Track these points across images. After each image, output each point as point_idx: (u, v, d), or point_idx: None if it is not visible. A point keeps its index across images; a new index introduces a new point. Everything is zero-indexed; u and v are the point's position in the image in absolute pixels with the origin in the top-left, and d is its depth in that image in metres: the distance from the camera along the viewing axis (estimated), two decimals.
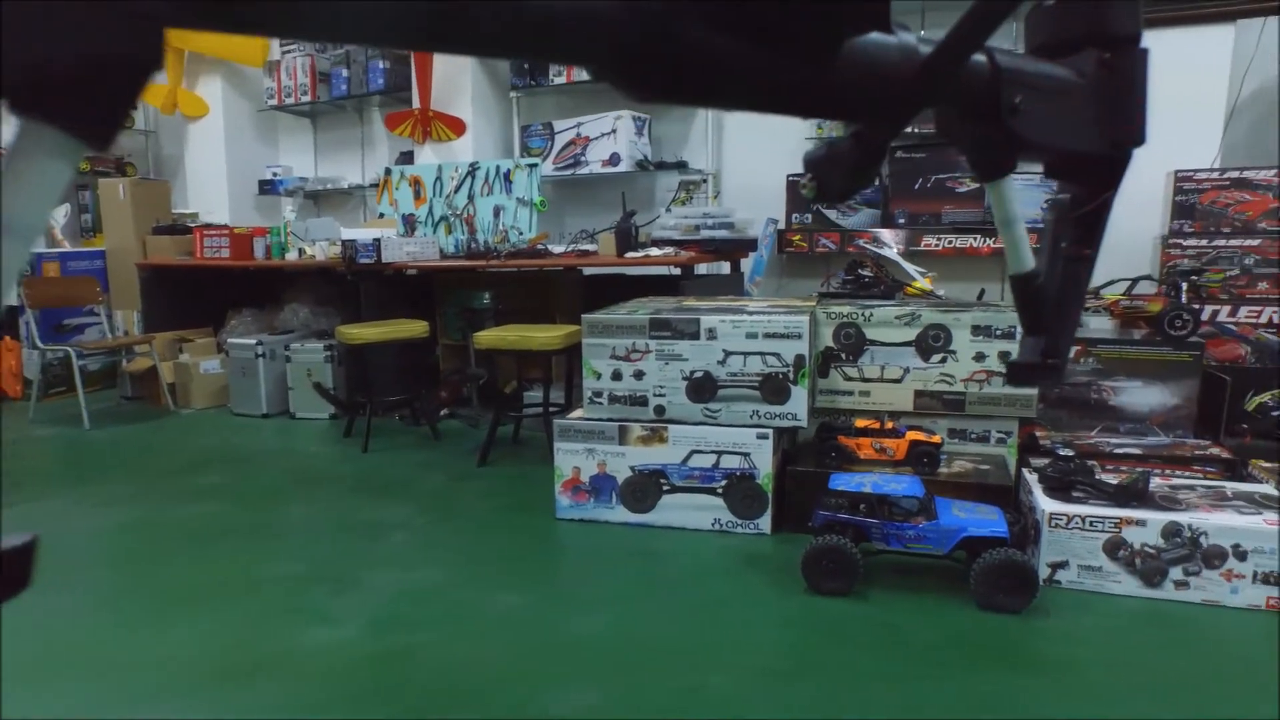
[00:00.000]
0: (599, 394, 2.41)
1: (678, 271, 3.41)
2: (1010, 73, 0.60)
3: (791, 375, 2.26)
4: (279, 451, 3.41)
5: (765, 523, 2.30)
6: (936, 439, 2.30)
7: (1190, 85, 3.17)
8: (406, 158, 4.78)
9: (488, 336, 3.01)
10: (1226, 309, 2.98)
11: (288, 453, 3.39)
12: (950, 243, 3.71)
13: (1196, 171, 3.07)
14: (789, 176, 3.91)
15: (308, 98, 4.96)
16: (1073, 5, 0.68)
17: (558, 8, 0.43)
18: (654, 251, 3.41)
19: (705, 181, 4.26)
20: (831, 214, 3.92)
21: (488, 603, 1.97)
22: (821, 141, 0.61)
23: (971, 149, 0.65)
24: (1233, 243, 2.98)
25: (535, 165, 4.07)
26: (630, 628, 1.84)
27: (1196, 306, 2.83)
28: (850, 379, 2.49)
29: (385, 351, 3.37)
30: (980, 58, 0.59)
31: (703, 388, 2.32)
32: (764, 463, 2.28)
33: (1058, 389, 2.61)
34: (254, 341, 3.99)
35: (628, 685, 1.61)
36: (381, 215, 4.39)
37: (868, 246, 3.52)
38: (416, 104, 4.50)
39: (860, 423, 2.35)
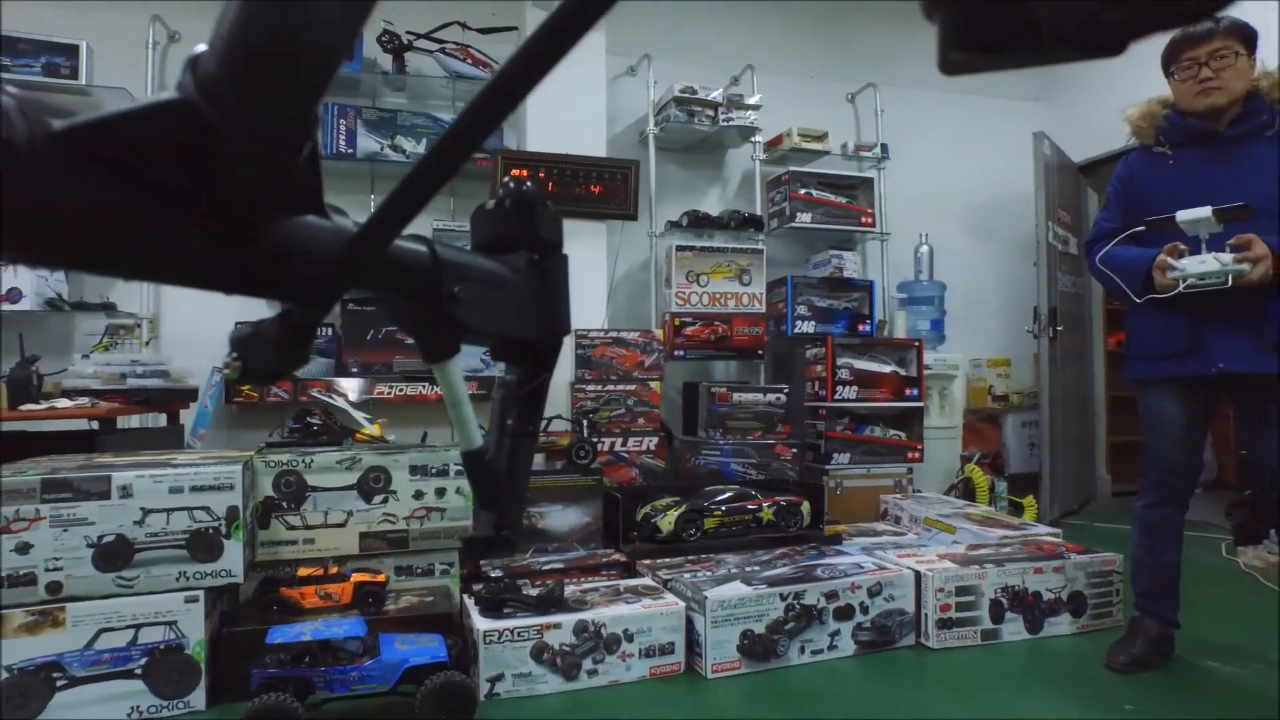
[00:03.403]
0: None
1: (95, 425, 2.99)
2: (449, 264, 0.64)
3: (224, 529, 2.13)
4: None
5: (199, 697, 2.07)
6: (382, 577, 2.37)
7: (585, 266, 3.96)
8: None
9: None
10: (620, 440, 3.68)
11: None
12: (401, 390, 3.93)
13: (590, 331, 3.80)
14: (238, 323, 3.76)
15: None
16: (509, 211, 0.76)
17: None
18: (63, 403, 2.95)
19: (139, 326, 3.86)
20: None
21: None
22: (248, 323, 0.59)
23: (417, 332, 0.67)
24: (619, 387, 3.73)
25: None
26: None
27: (595, 440, 3.45)
28: (293, 527, 2.44)
29: None
30: (423, 248, 0.63)
31: (114, 554, 2.04)
32: (195, 629, 2.07)
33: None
34: None
35: None
36: None
37: (318, 395, 3.54)
38: None
39: (303, 571, 2.30)
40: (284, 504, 2.43)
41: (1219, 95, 2.20)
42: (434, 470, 2.64)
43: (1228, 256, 2.08)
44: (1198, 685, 2.27)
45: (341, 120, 3.93)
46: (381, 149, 3.99)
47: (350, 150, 3.93)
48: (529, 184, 0.78)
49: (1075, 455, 4.94)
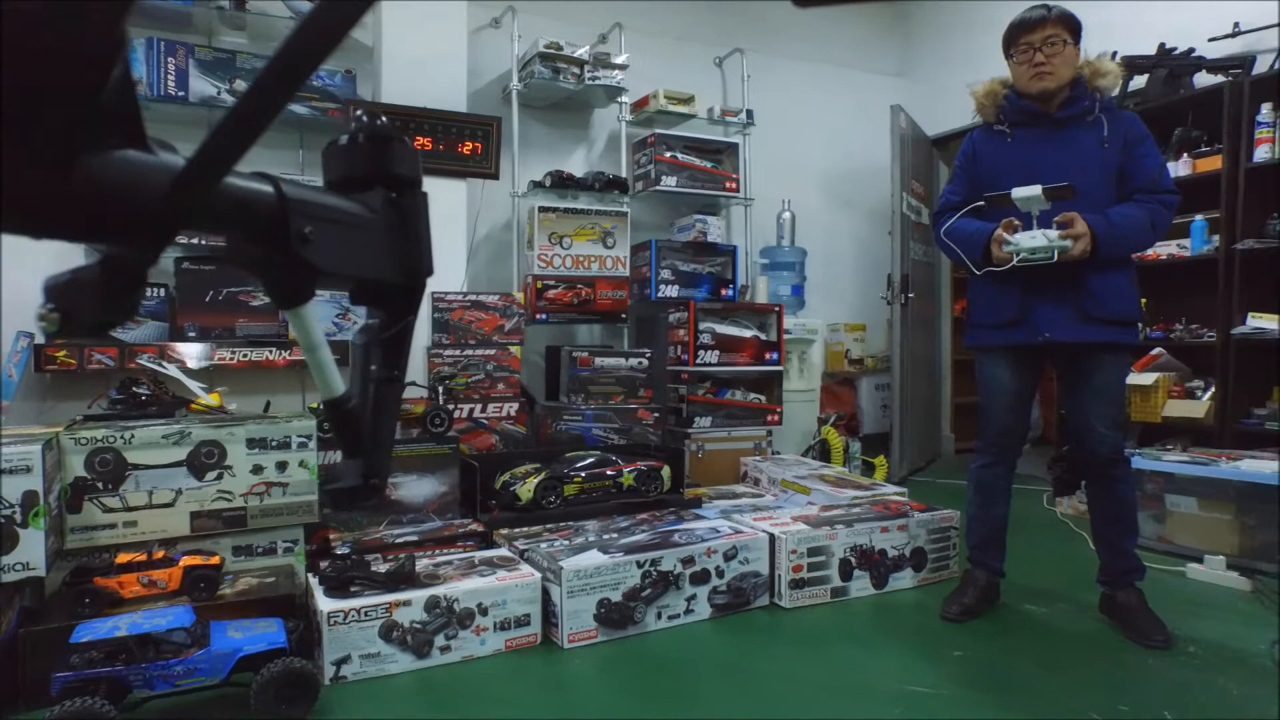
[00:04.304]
0: None
1: None
2: (297, 203, 0.60)
3: (20, 517, 1.92)
4: None
5: None
6: (216, 560, 2.21)
7: (443, 225, 3.79)
8: None
9: None
10: (480, 406, 3.59)
11: None
12: (246, 356, 3.67)
13: (448, 294, 3.66)
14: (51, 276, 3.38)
15: None
16: (361, 146, 0.72)
17: None
18: None
19: None
20: None
21: None
22: (66, 269, 0.53)
23: (266, 276, 0.63)
24: (478, 351, 3.62)
25: None
26: None
27: (452, 407, 3.35)
28: (111, 510, 2.23)
29: None
30: (267, 187, 0.59)
31: None
32: None
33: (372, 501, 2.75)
34: None
35: None
36: None
37: (147, 362, 3.25)
38: None
39: (123, 558, 2.11)
40: (99, 484, 2.21)
41: (1050, 80, 2.33)
42: (275, 443, 2.48)
43: (1054, 233, 2.21)
44: (1018, 627, 2.45)
45: (170, 58, 3.56)
46: (219, 93, 3.65)
47: (181, 93, 3.58)
48: (383, 118, 0.73)
49: (923, 416, 5.22)
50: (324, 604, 2.13)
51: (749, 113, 4.78)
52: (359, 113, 0.75)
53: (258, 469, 2.42)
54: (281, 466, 2.47)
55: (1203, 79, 3.88)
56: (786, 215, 4.99)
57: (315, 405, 3.08)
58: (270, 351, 3.70)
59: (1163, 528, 3.20)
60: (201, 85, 3.63)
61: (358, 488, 0.73)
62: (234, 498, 2.38)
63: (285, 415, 2.66)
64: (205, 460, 2.34)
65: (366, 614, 2.13)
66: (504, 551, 2.63)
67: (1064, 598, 2.67)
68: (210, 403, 2.95)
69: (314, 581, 2.27)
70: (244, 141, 0.50)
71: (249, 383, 3.50)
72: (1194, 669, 2.13)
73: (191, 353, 3.52)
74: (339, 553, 2.51)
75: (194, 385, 2.98)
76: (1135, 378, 3.83)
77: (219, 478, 2.36)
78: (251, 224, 0.59)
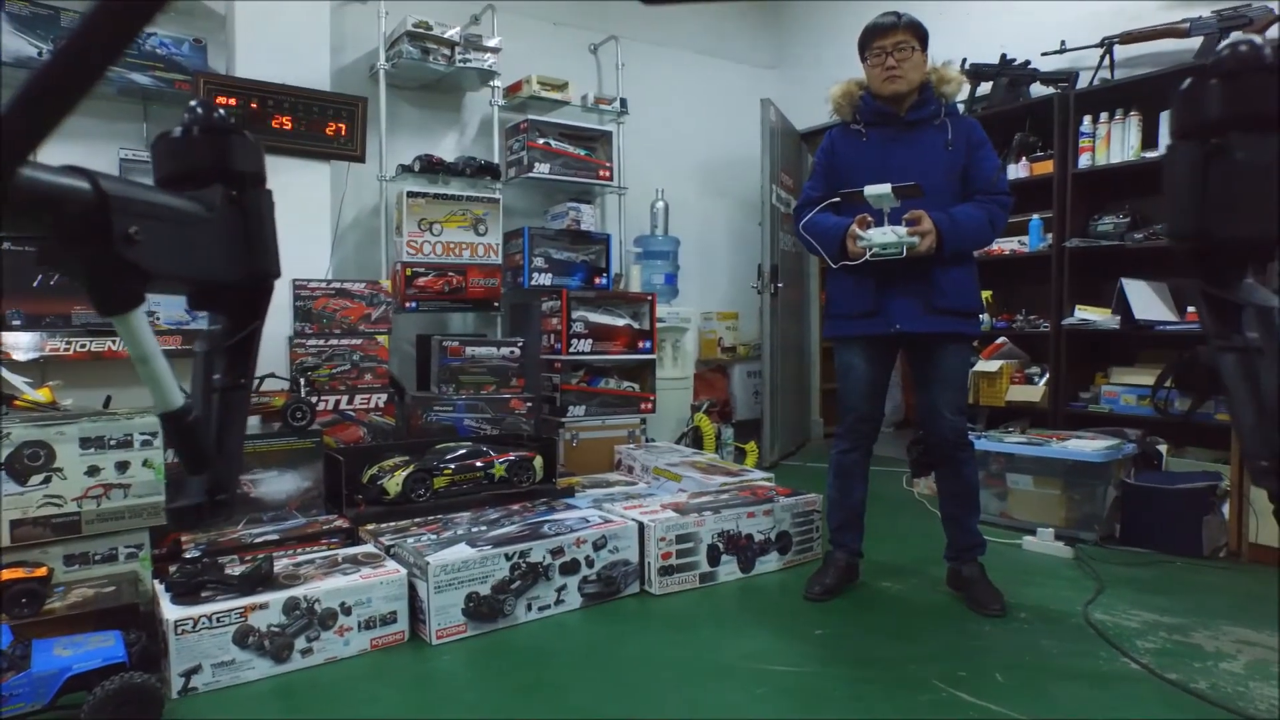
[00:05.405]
0: None
1: None
2: (120, 200, 0.55)
3: None
4: None
5: None
6: (42, 571, 2.03)
7: (304, 210, 3.61)
8: None
9: None
10: (346, 398, 3.46)
11: None
12: (84, 346, 3.39)
13: (310, 281, 3.50)
14: None
15: None
16: (197, 140, 0.67)
17: None
18: None
19: None
20: None
21: None
22: None
23: (88, 281, 0.57)
24: (343, 341, 3.49)
25: None
26: None
27: (316, 399, 3.21)
28: None
29: None
30: (83, 183, 0.53)
31: None
32: None
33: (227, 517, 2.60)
34: None
35: None
36: None
37: None
38: None
39: None
40: None
41: (900, 83, 2.45)
42: (115, 441, 2.31)
43: (903, 229, 2.34)
44: (875, 603, 2.59)
45: None
46: (40, 54, 3.33)
47: None
48: (220, 110, 0.70)
49: (793, 402, 5.42)
50: (170, 612, 2.00)
51: (623, 101, 4.80)
52: (194, 103, 0.71)
53: (94, 470, 2.24)
54: (122, 467, 2.31)
55: (1038, 89, 4.18)
56: (660, 204, 5.04)
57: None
58: (113, 342, 3.43)
59: (1005, 504, 3.46)
60: (16, 43, 3.29)
61: (202, 505, 0.69)
62: (65, 502, 2.20)
63: (128, 411, 2.48)
64: (29, 463, 2.15)
65: (218, 620, 2.02)
66: (369, 548, 2.56)
67: (918, 573, 2.85)
68: (38, 398, 2.71)
69: (160, 588, 2.13)
70: (40, 127, 0.45)
71: (86, 376, 3.24)
72: (1023, 633, 2.32)
73: (18, 343, 3.21)
74: (189, 556, 2.37)
75: (18, 380, 2.73)
76: (982, 365, 4.11)
77: (46, 481, 2.17)
78: (62, 224, 0.54)
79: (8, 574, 1.97)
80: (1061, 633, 2.31)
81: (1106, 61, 3.87)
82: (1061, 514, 3.26)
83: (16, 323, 3.28)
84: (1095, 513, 3.18)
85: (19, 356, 3.09)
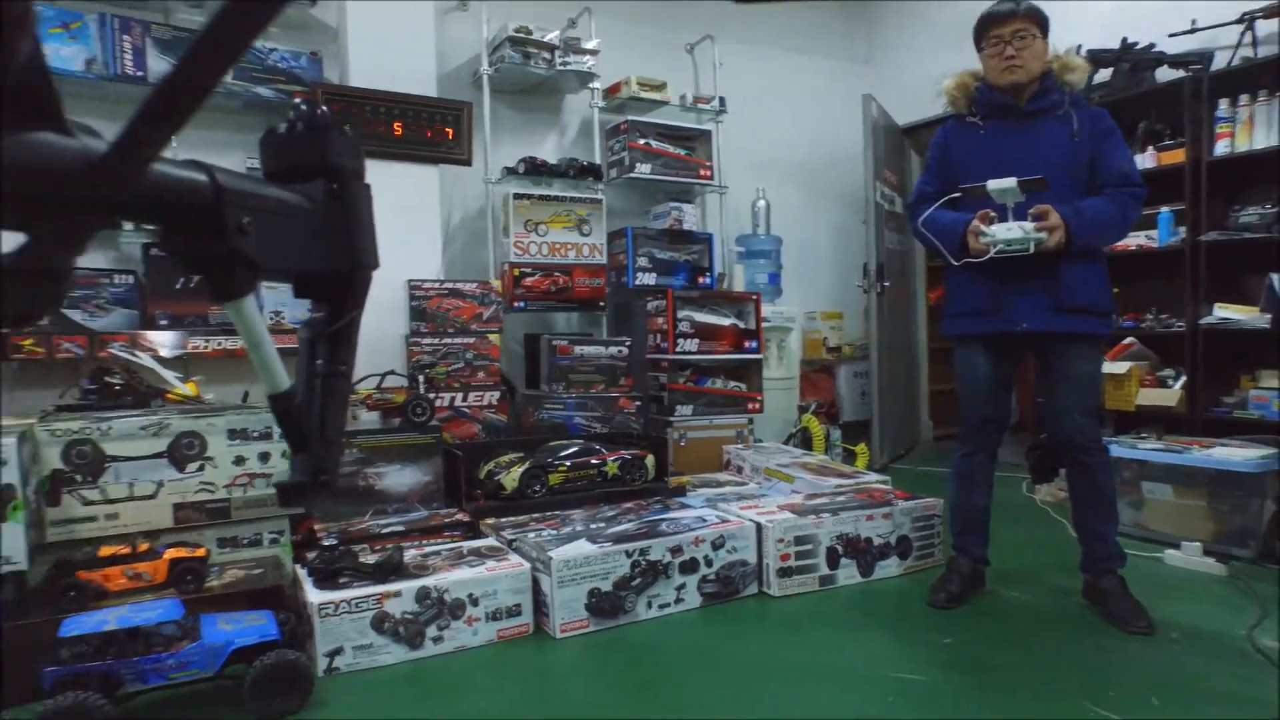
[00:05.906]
0: None
1: None
2: (234, 193, 0.59)
3: None
4: None
5: None
6: (201, 552, 2.16)
7: (416, 213, 3.72)
8: None
9: None
10: (460, 395, 3.55)
11: None
12: (220, 344, 3.58)
13: (424, 281, 3.61)
14: None
15: None
16: (300, 136, 0.71)
17: None
18: None
19: None
20: (76, 314, 3.41)
21: None
22: None
23: (203, 270, 0.61)
24: (456, 340, 3.58)
25: None
26: None
27: (433, 395, 3.31)
28: (92, 503, 2.17)
29: None
30: (201, 176, 0.57)
31: None
32: None
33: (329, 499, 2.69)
34: None
35: None
36: None
37: (119, 352, 3.16)
38: None
39: (106, 550, 2.06)
40: (77, 477, 2.15)
41: (1020, 73, 2.36)
42: (256, 433, 2.44)
43: (1030, 225, 2.24)
44: (1003, 613, 2.49)
45: (125, 36, 3.44)
46: None
47: (139, 73, 3.45)
48: (323, 108, 0.73)
49: (901, 403, 5.29)
50: (314, 596, 2.09)
51: (722, 100, 4.77)
52: (298, 101, 0.74)
53: (240, 460, 2.37)
54: (264, 457, 2.43)
55: (1165, 73, 3.95)
56: (761, 203, 5.00)
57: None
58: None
59: (1139, 514, 3.28)
60: (160, 65, 3.51)
61: (306, 484, 0.72)
62: (217, 489, 2.33)
63: (264, 405, 2.61)
64: (186, 451, 2.29)
65: (357, 605, 2.10)
66: (491, 541, 2.61)
67: (1047, 584, 2.72)
68: (187, 392, 2.89)
69: (302, 573, 2.24)
70: (172, 124, 0.48)
71: (225, 372, 3.43)
72: (1176, 653, 2.17)
73: (164, 341, 3.42)
74: (326, 544, 2.47)
75: (169, 375, 2.91)
76: (1109, 366, 3.91)
77: (201, 469, 2.31)
78: (184, 214, 0.58)
79: (173, 553, 2.10)
80: (1221, 656, 2.15)
81: (1248, 39, 3.63)
82: (1209, 527, 3.06)
83: (163, 322, 3.49)
84: (1250, 527, 2.97)
85: (165, 353, 3.29)
